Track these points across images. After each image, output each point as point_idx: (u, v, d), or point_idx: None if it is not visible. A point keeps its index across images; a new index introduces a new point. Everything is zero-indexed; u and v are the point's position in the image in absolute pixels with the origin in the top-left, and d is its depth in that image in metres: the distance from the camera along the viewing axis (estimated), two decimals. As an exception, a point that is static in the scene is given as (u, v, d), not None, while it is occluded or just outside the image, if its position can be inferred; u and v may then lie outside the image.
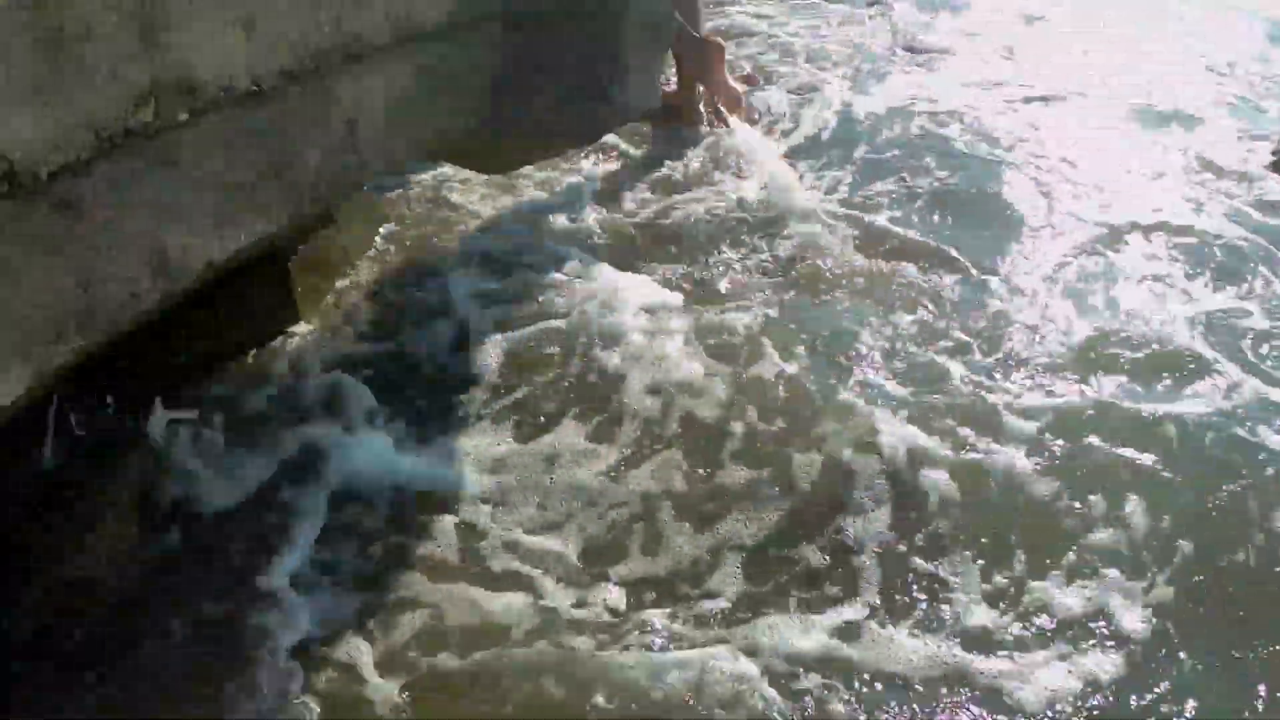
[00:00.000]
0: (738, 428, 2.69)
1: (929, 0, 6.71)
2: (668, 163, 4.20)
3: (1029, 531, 2.41)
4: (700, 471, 2.58)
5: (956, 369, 2.94)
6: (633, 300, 3.18)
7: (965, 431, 2.68)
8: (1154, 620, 2.19)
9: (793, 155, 4.35)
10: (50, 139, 1.53)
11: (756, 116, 4.59)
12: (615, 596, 2.23)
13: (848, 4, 6.63)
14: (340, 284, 3.29)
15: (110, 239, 1.68)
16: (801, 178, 4.15)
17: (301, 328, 3.05)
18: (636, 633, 2.14)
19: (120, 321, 1.76)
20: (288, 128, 1.92)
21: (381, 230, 3.62)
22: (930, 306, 3.25)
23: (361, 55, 2.02)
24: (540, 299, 3.22)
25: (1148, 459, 2.60)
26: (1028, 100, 5.04)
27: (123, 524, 2.38)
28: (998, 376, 2.92)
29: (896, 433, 2.64)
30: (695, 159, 4.24)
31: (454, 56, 2.35)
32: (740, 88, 4.66)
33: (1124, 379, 2.92)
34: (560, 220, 3.77)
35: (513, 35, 2.53)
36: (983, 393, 2.83)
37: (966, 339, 3.07)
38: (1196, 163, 4.36)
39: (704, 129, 4.46)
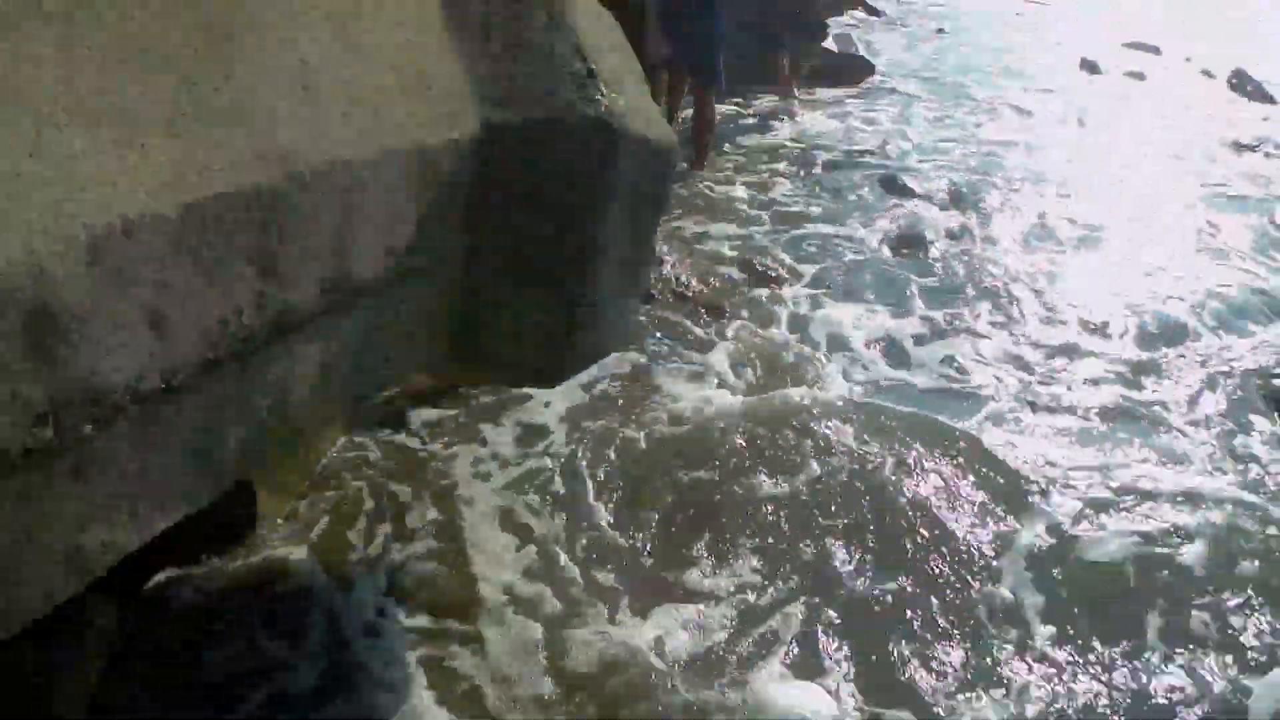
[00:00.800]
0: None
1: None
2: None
3: None
4: None
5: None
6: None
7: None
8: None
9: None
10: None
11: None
12: None
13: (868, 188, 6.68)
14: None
15: (20, 551, 1.62)
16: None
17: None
18: None
19: (37, 614, 1.71)
20: (207, 415, 1.87)
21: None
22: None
23: (291, 327, 1.97)
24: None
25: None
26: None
27: None
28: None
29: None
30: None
31: (403, 304, 2.31)
32: None
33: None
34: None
35: (474, 272, 2.49)
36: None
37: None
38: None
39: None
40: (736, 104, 9.98)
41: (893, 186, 6.95)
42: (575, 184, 2.56)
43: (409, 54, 2.41)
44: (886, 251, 5.72)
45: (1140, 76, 15.57)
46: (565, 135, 2.54)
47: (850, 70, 12.07)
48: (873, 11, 22.55)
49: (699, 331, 4.47)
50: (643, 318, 4.37)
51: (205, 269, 1.73)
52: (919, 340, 4.64)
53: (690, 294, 4.73)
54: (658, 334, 4.44)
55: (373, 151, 2.08)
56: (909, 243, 5.85)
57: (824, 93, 10.57)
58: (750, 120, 9.36)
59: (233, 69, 1.90)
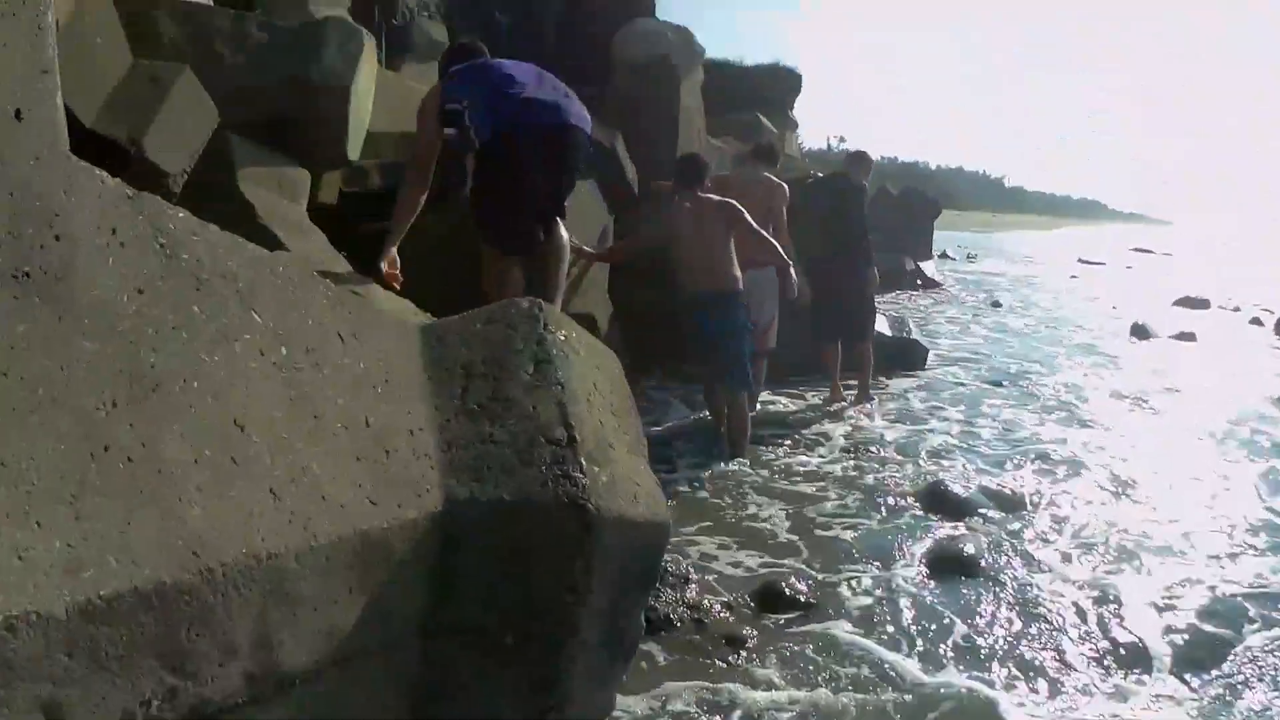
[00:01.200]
0: None
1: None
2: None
3: None
4: None
5: None
6: None
7: None
8: None
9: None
10: None
11: None
12: None
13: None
14: None
15: None
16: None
17: None
18: None
19: None
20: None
21: None
22: None
23: (211, 717, 1.90)
24: None
25: None
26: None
27: None
28: None
29: None
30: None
31: (351, 682, 2.20)
32: None
33: None
34: None
35: (437, 647, 2.35)
36: None
37: None
38: None
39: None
40: (788, 396, 9.98)
41: (942, 502, 6.66)
42: (548, 567, 2.45)
43: (369, 410, 2.29)
44: (929, 579, 5.43)
45: (1190, 337, 15.94)
46: (537, 517, 2.42)
47: (905, 357, 11.79)
48: (928, 284, 23.03)
49: (718, 664, 4.24)
50: (658, 650, 4.22)
51: (103, 665, 1.71)
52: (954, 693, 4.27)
53: (709, 621, 4.56)
54: (675, 670, 4.19)
55: (307, 540, 2.01)
56: (956, 567, 5.51)
57: (877, 384, 10.50)
58: (797, 417, 9.33)
59: (152, 431, 1.83)
